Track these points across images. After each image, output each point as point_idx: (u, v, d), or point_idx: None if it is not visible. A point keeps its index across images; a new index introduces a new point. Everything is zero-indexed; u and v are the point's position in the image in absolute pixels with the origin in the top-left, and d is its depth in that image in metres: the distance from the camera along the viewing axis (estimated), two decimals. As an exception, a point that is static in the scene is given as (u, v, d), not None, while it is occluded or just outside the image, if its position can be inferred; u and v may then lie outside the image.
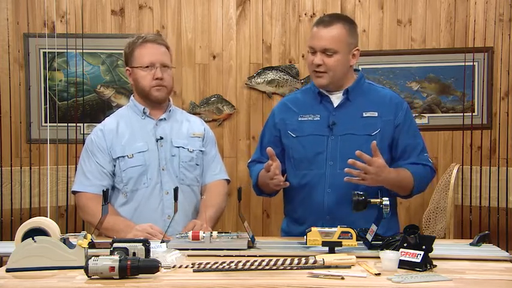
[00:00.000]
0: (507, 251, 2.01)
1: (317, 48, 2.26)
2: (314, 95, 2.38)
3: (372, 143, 2.09)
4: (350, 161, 2.05)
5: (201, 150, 2.52)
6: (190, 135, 2.51)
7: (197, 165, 2.49)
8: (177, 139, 2.47)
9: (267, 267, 1.72)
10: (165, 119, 2.48)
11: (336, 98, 2.34)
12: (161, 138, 2.43)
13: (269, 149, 2.16)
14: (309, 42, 2.31)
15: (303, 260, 1.76)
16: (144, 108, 2.46)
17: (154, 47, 2.45)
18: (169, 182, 2.40)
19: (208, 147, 2.57)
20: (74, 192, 2.44)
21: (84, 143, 2.49)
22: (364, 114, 2.30)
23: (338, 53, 2.25)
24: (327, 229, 1.90)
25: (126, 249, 1.73)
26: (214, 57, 3.66)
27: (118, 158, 2.39)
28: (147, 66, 2.41)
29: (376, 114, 2.30)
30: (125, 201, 2.41)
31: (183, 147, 2.46)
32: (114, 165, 2.40)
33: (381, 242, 1.94)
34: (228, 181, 2.61)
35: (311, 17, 3.62)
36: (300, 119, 2.36)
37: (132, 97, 2.54)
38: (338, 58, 2.26)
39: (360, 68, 3.15)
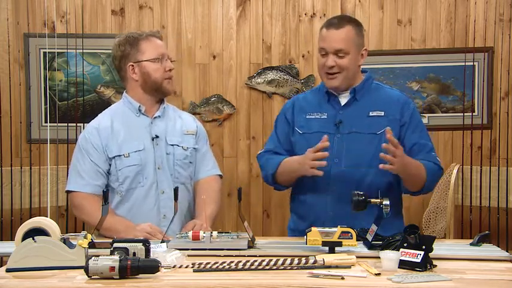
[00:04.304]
0: (507, 251, 2.01)
1: (329, 50, 2.30)
2: (322, 94, 2.41)
3: (386, 130, 2.08)
4: (384, 145, 2.07)
5: (195, 148, 2.51)
6: (184, 133, 2.49)
7: (191, 163, 2.48)
8: (172, 137, 2.45)
9: (267, 267, 1.72)
10: (159, 116, 2.46)
11: (344, 98, 2.37)
12: (157, 136, 2.41)
13: (325, 137, 2.18)
14: (321, 44, 2.33)
15: (303, 260, 1.76)
16: (139, 106, 2.43)
17: (157, 40, 2.46)
18: (164, 181, 2.38)
19: (201, 143, 2.55)
20: (68, 192, 2.40)
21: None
22: (371, 114, 2.33)
23: (349, 54, 2.29)
24: (327, 229, 1.90)
25: (126, 249, 1.72)
26: (214, 57, 3.66)
27: (114, 157, 2.36)
28: (157, 58, 2.41)
29: (382, 113, 2.32)
30: (119, 201, 2.38)
31: (178, 145, 2.45)
32: (110, 164, 2.37)
33: (381, 242, 1.94)
34: (220, 176, 2.60)
35: (311, 17, 3.62)
36: (307, 116, 2.40)
37: (125, 93, 2.49)
38: (350, 58, 2.30)
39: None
